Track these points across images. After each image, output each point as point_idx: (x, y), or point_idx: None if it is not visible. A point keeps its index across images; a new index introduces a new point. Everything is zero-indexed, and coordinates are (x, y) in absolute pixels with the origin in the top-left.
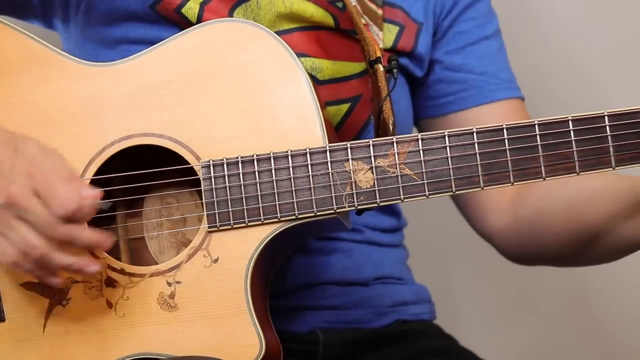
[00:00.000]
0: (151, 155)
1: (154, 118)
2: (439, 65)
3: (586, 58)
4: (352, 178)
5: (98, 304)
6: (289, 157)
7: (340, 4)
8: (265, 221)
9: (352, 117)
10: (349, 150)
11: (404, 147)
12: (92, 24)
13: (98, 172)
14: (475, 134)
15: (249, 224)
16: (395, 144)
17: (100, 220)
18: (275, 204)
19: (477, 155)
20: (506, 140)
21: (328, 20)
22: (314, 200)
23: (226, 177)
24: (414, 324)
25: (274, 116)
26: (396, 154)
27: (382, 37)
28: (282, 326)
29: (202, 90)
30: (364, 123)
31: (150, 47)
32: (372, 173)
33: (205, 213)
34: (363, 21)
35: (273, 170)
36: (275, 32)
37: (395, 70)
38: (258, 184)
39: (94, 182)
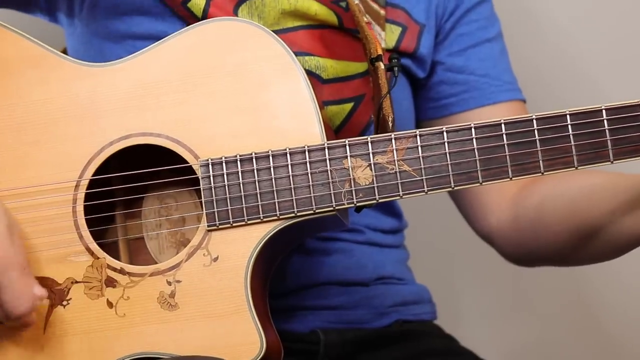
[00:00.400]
0: (150, 155)
1: (152, 118)
2: (440, 66)
3: (586, 58)
4: (351, 175)
5: (98, 304)
6: (288, 155)
7: (343, 4)
8: (264, 219)
9: (354, 116)
10: (347, 147)
11: (403, 144)
12: (97, 18)
13: (97, 172)
14: (473, 129)
15: (248, 222)
16: (393, 140)
17: (100, 220)
18: (275, 202)
19: (476, 150)
20: (504, 136)
21: (332, 18)
22: (312, 197)
23: (225, 175)
24: (414, 324)
25: (272, 115)
26: (394, 151)
27: (385, 38)
28: (283, 326)
29: (200, 90)
30: (366, 123)
31: (148, 47)
32: (371, 170)
33: (204, 212)
34: (365, 19)
35: (272, 168)
36: (280, 30)
37: (396, 69)
38: (257, 182)
39: (93, 182)
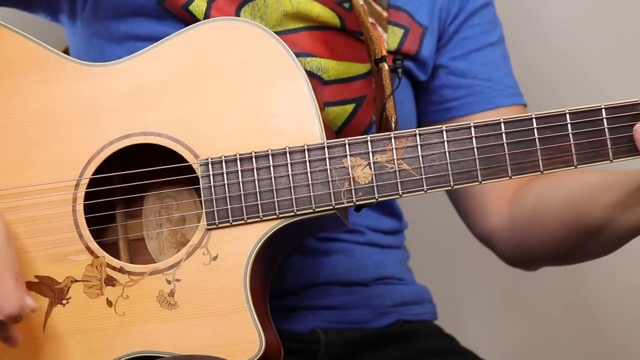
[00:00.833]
0: (150, 155)
1: (153, 117)
2: (443, 70)
3: (585, 58)
4: (350, 174)
5: (98, 302)
6: (287, 154)
7: (347, 5)
8: (264, 218)
9: (356, 117)
10: (346, 146)
11: (402, 143)
12: (99, 19)
13: (97, 171)
14: (472, 128)
15: (248, 221)
16: (393, 139)
17: (100, 220)
18: (274, 201)
19: (475, 149)
20: (504, 135)
21: (334, 20)
22: (312, 196)
23: (225, 174)
24: (415, 324)
25: (272, 114)
26: (394, 150)
27: (387, 39)
28: (283, 326)
29: (200, 89)
30: (367, 124)
31: (149, 47)
32: (370, 169)
33: (204, 211)
34: (370, 20)
35: (271, 167)
36: (282, 31)
37: (399, 70)
38: (256, 181)
39: (93, 182)
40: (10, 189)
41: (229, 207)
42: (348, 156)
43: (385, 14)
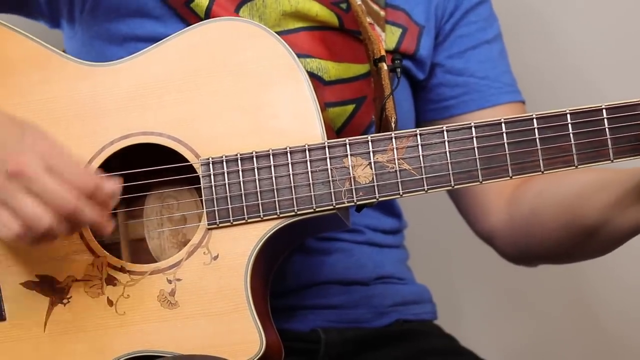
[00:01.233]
0: (151, 155)
1: (154, 117)
2: (440, 68)
3: (586, 58)
4: (351, 174)
5: (99, 302)
6: (288, 154)
7: (344, 5)
8: (264, 218)
9: (356, 118)
10: (347, 146)
11: (403, 142)
12: (98, 21)
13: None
14: (473, 128)
15: (249, 220)
16: (393, 139)
17: None
18: (275, 201)
19: (476, 149)
20: (504, 134)
21: (333, 20)
22: (313, 196)
23: (225, 174)
24: (414, 324)
25: (273, 114)
26: (395, 149)
27: (385, 39)
28: (283, 325)
29: (201, 89)
30: (367, 124)
31: (150, 47)
32: (371, 168)
33: (204, 210)
34: (368, 20)
35: (272, 167)
36: (281, 31)
37: (398, 70)
38: (257, 181)
39: None
40: None
41: (229, 206)
42: (349, 156)
43: (382, 13)
